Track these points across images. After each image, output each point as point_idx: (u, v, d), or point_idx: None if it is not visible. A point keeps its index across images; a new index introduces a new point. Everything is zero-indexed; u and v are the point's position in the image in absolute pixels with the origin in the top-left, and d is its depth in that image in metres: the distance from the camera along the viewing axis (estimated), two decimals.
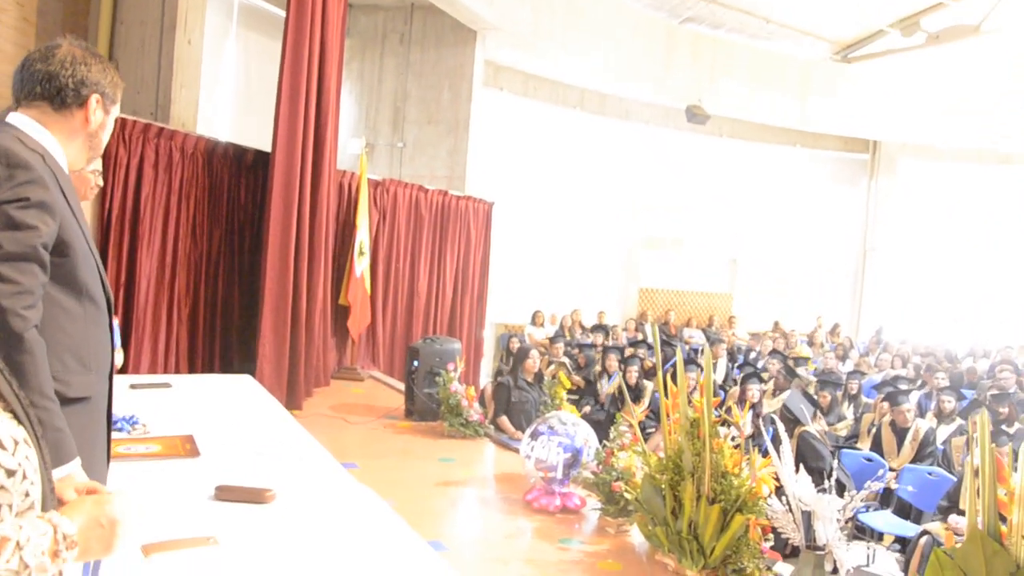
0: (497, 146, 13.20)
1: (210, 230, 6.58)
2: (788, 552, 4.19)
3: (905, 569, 5.26)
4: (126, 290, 5.78)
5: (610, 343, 11.30)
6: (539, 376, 6.69)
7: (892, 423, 7.01)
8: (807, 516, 3.40)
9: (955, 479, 5.85)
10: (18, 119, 1.89)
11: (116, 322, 2.56)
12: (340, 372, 8.18)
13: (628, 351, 9.83)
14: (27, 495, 1.10)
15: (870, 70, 15.61)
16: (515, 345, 10.26)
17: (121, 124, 5.69)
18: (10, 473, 1.07)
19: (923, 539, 5.18)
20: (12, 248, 1.71)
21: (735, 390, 8.33)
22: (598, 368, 9.36)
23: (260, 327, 6.39)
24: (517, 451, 5.17)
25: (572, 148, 14.89)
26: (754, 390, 7.42)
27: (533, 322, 13.46)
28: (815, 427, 6.34)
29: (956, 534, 4.37)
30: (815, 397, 7.78)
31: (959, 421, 7.35)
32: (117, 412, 2.25)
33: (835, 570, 3.38)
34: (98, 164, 3.70)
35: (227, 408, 3.84)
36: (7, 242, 1.70)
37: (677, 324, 15.60)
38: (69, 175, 1.97)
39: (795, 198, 16.83)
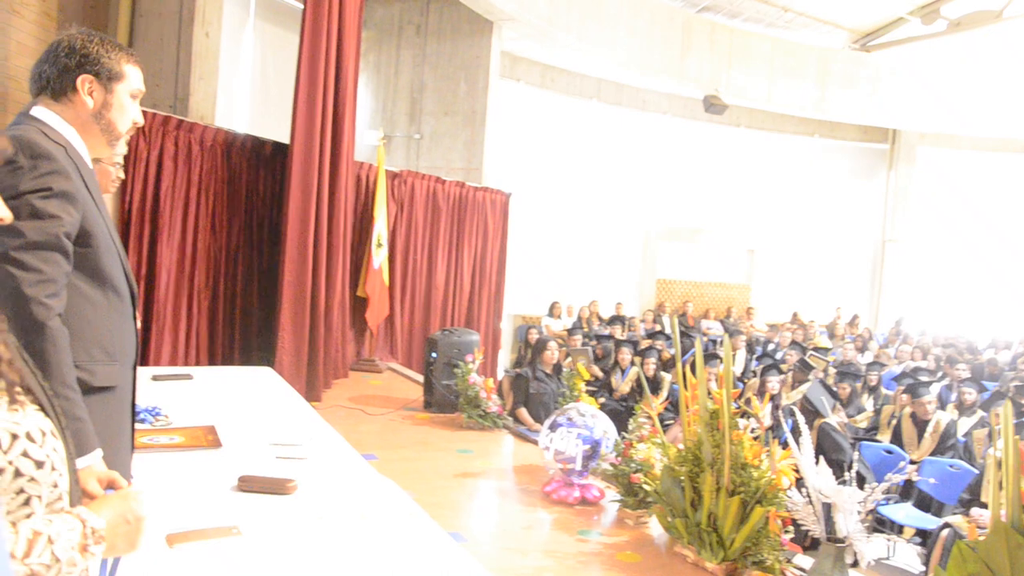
0: (514, 137, 13.18)
1: (229, 222, 6.61)
2: (808, 544, 4.17)
3: (926, 562, 5.22)
4: (147, 282, 5.82)
5: (625, 336, 11.26)
6: (558, 368, 6.69)
7: (912, 415, 6.95)
8: (827, 508, 3.39)
9: (977, 471, 5.80)
10: (41, 112, 1.91)
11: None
12: (359, 364, 8.21)
13: (646, 342, 9.80)
14: (55, 486, 1.12)
15: (890, 58, 15.45)
16: (533, 336, 10.25)
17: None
18: (39, 465, 1.08)
19: (945, 532, 5.14)
20: (35, 237, 1.72)
21: (754, 382, 8.30)
22: (611, 361, 9.32)
23: (279, 319, 6.42)
24: (536, 443, 5.18)
25: (589, 139, 14.84)
26: (773, 382, 7.39)
27: (551, 313, 13.45)
28: (835, 419, 6.30)
29: (979, 527, 4.34)
30: (835, 389, 7.74)
31: (981, 413, 7.28)
32: (140, 404, 2.26)
33: (855, 563, 3.36)
34: (119, 157, 3.73)
35: (248, 399, 3.87)
36: (30, 231, 1.71)
37: (695, 315, 15.54)
38: (92, 167, 1.99)
39: (814, 188, 16.71)
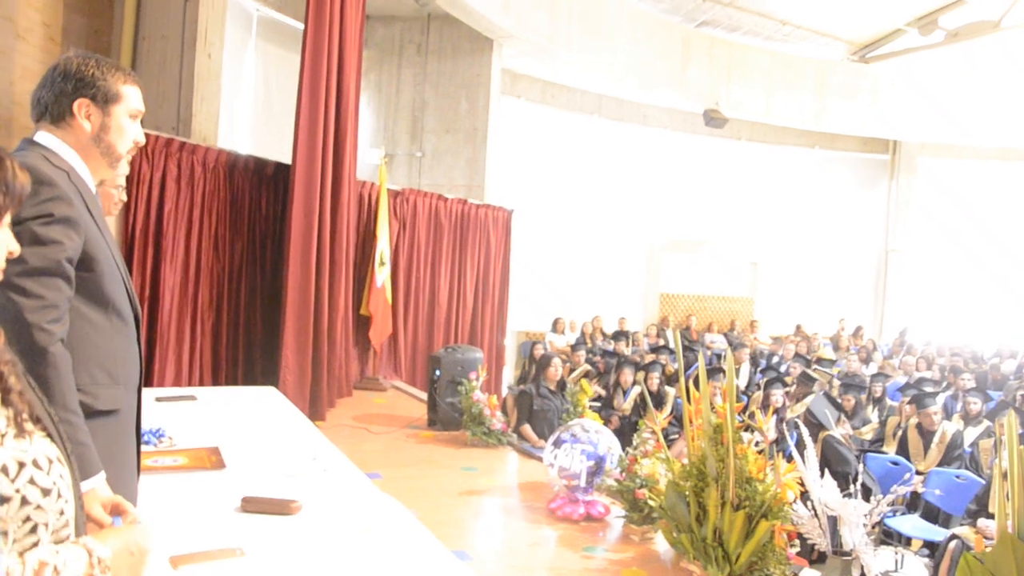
0: (516, 154, 13.23)
1: (232, 243, 6.64)
2: (814, 558, 4.16)
3: (934, 574, 5.20)
4: (150, 303, 5.84)
5: (629, 350, 11.25)
6: (561, 384, 6.69)
7: (918, 426, 6.94)
8: (833, 521, 3.37)
9: (984, 482, 5.78)
10: (43, 137, 1.92)
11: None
12: (362, 382, 8.21)
13: (649, 357, 9.79)
14: (62, 513, 1.12)
15: (888, 70, 15.51)
16: (539, 352, 10.25)
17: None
18: (45, 492, 1.09)
19: (952, 544, 5.12)
20: (37, 263, 1.73)
21: (758, 395, 8.28)
22: (613, 379, 9.25)
23: (283, 338, 6.43)
24: (540, 459, 5.16)
25: (591, 154, 14.90)
26: (777, 395, 7.38)
27: (554, 329, 13.45)
28: (840, 431, 6.29)
29: (986, 538, 4.32)
30: (839, 401, 7.72)
31: (987, 423, 7.26)
32: (144, 425, 2.26)
33: (863, 575, 3.35)
34: (122, 179, 3.76)
35: (252, 420, 3.87)
36: (32, 257, 1.72)
37: (699, 329, 15.53)
38: (95, 191, 2.00)
39: (815, 200, 16.73)
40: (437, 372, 6.56)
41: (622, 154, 15.28)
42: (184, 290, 6.12)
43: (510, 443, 6.17)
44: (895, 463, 6.51)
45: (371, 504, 2.70)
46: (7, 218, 1.20)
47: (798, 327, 15.48)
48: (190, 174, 6.15)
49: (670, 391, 8.21)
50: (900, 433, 7.17)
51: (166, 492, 2.56)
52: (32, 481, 1.08)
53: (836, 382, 9.26)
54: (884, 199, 17.12)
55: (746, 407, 7.75)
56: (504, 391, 9.33)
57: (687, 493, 3.76)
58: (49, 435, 1.16)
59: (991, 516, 5.13)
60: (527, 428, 6.38)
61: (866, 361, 12.17)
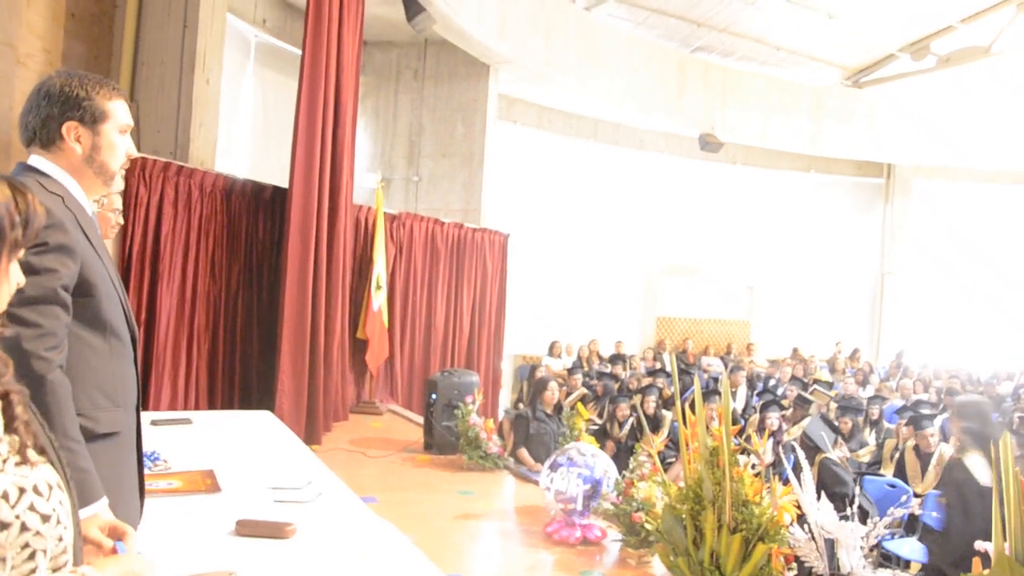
0: (512, 178, 13.29)
1: (229, 266, 6.65)
2: None
3: None
4: (147, 326, 5.83)
5: (626, 374, 11.23)
6: (558, 407, 6.68)
7: (915, 448, 6.92)
8: (830, 544, 3.37)
9: None
10: (37, 161, 1.91)
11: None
12: (359, 406, 8.19)
13: (646, 381, 9.78)
14: (60, 540, 1.12)
15: (882, 94, 15.64)
16: (540, 375, 10.23)
17: (141, 163, 5.79)
18: (45, 519, 1.09)
19: None
20: (33, 292, 1.73)
21: (755, 418, 8.27)
22: (608, 411, 9.15)
23: (279, 362, 6.42)
24: (536, 483, 5.15)
25: (587, 178, 14.96)
26: (773, 418, 7.37)
27: (551, 353, 13.44)
28: (836, 454, 6.27)
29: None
30: (836, 423, 7.71)
31: None
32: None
33: None
34: (118, 203, 3.77)
35: (247, 443, 3.86)
36: (28, 286, 1.72)
37: (695, 352, 15.53)
38: (91, 212, 2.00)
39: (811, 224, 16.79)
40: (433, 396, 6.55)
41: (618, 178, 15.35)
42: (181, 313, 6.12)
43: (506, 467, 6.16)
44: (892, 485, 6.49)
45: (366, 528, 2.69)
46: (21, 252, 1.21)
47: (795, 350, 15.48)
48: (187, 198, 6.17)
49: (667, 414, 8.20)
50: (897, 455, 7.15)
51: (161, 515, 2.55)
52: (32, 507, 1.08)
53: (833, 405, 9.25)
54: (879, 222, 17.19)
55: (742, 430, 7.73)
56: (501, 415, 9.30)
57: (684, 516, 3.75)
58: (51, 461, 1.16)
59: (989, 539, 5.11)
60: (523, 452, 6.36)
61: (863, 384, 12.16)
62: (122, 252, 5.72)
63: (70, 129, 1.90)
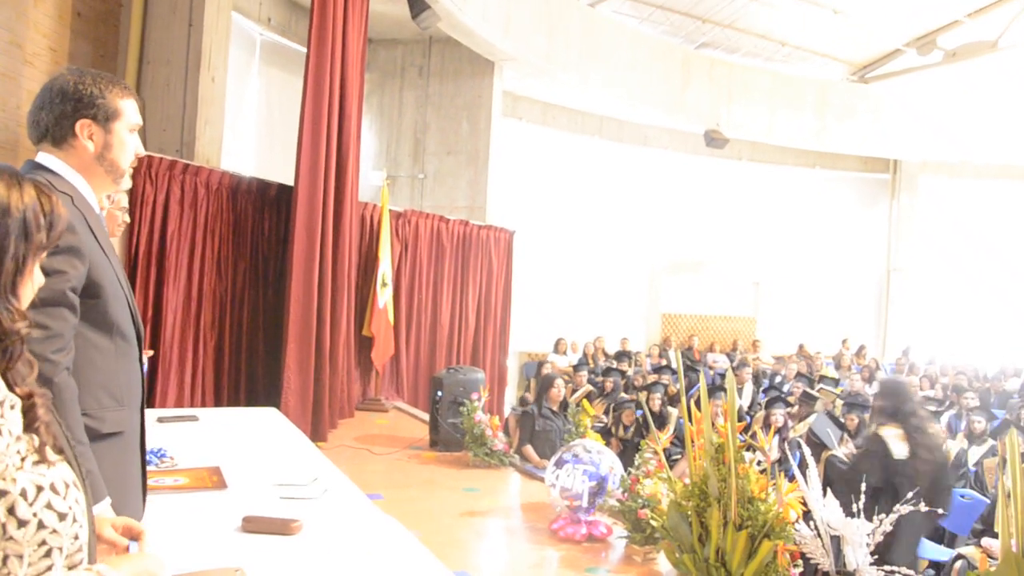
0: (517, 175, 13.28)
1: (235, 264, 6.67)
2: None
3: None
4: (153, 324, 5.86)
5: (631, 370, 11.22)
6: (564, 404, 6.68)
7: None
8: (836, 541, 3.37)
9: (989, 501, 5.74)
10: (46, 159, 1.91)
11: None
12: (364, 403, 8.21)
13: (652, 377, 9.76)
14: (76, 538, 1.13)
15: (888, 89, 15.59)
16: (545, 372, 10.22)
17: (147, 161, 5.81)
18: (62, 517, 1.10)
19: (958, 564, 5.09)
20: (41, 294, 1.72)
21: (761, 414, 8.26)
22: (613, 416, 9.10)
23: (284, 359, 6.44)
24: (542, 480, 5.16)
25: (592, 175, 14.94)
26: (778, 414, 7.35)
27: (556, 350, 13.43)
28: (842, 450, 6.26)
29: (990, 557, 4.30)
30: (842, 420, 7.69)
31: (991, 442, 7.23)
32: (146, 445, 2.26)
33: None
34: (125, 201, 3.79)
35: (253, 440, 3.87)
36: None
37: (701, 349, 15.51)
38: (99, 212, 2.00)
39: (817, 220, 16.74)
40: (439, 393, 6.56)
41: (623, 175, 15.32)
42: (187, 311, 6.14)
43: (512, 464, 6.17)
44: None
45: (372, 525, 2.69)
46: (44, 255, 1.22)
47: (800, 346, 15.45)
48: (193, 196, 6.19)
49: (672, 411, 8.19)
50: None
51: (167, 512, 2.56)
52: (49, 505, 1.09)
53: (839, 402, 9.23)
54: (885, 218, 17.14)
55: (748, 427, 7.72)
56: (506, 412, 9.31)
57: (689, 513, 3.75)
58: (67, 461, 1.17)
59: (996, 535, 5.10)
60: (529, 449, 6.37)
61: (869, 380, 12.13)
62: (128, 250, 5.74)
63: (83, 127, 1.90)
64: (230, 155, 7.77)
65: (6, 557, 1.04)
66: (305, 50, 6.76)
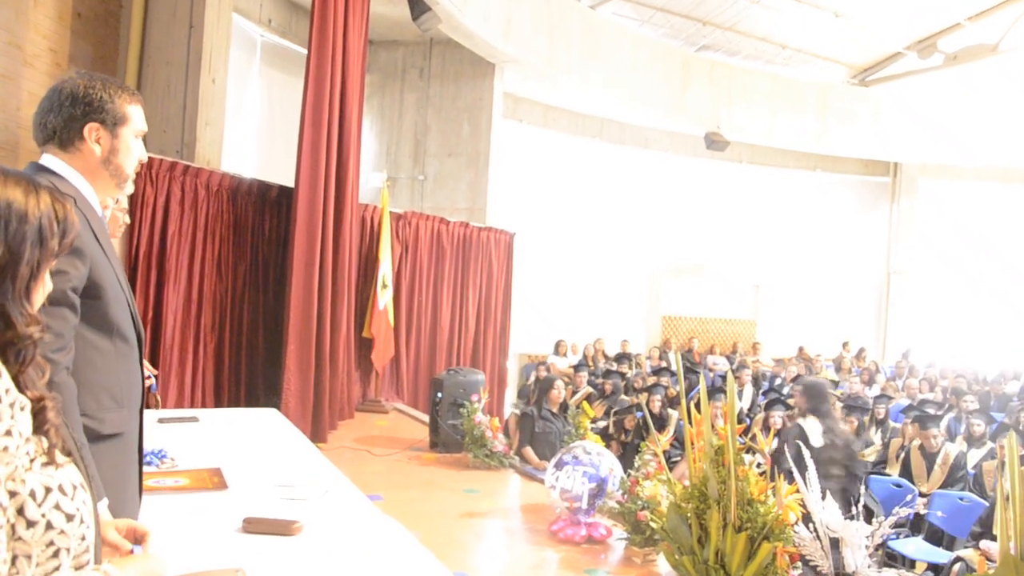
0: (517, 177, 13.29)
1: (235, 265, 6.67)
2: None
3: None
4: (153, 325, 5.86)
5: (632, 372, 11.22)
6: (564, 406, 6.68)
7: (921, 447, 6.92)
8: (835, 543, 3.37)
9: (988, 504, 5.75)
10: (51, 162, 1.91)
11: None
12: (364, 404, 8.21)
13: (652, 379, 9.76)
14: (83, 539, 1.14)
15: (888, 92, 15.60)
16: (542, 373, 10.22)
17: (148, 163, 5.81)
18: (69, 518, 1.11)
19: (956, 566, 5.10)
20: None
21: (760, 416, 8.26)
22: (615, 420, 9.08)
23: (285, 360, 6.44)
24: (542, 481, 5.16)
25: (592, 177, 14.95)
26: (776, 416, 7.35)
27: (556, 352, 13.44)
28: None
29: (988, 560, 4.30)
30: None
31: (990, 444, 7.23)
32: (146, 446, 2.27)
33: None
34: (125, 202, 3.79)
35: (253, 441, 3.88)
36: None
37: (701, 351, 15.52)
38: (101, 214, 2.01)
39: (817, 222, 16.75)
40: (439, 394, 6.57)
41: (624, 177, 15.33)
42: (187, 312, 6.15)
43: (512, 465, 6.17)
44: (898, 485, 6.49)
45: (373, 526, 2.70)
46: (55, 262, 1.23)
47: (800, 349, 15.46)
48: (194, 197, 6.20)
49: (672, 413, 8.19)
50: (903, 455, 7.14)
51: (168, 512, 2.57)
52: (57, 506, 1.11)
53: (839, 404, 9.23)
54: (885, 221, 17.14)
55: (748, 429, 7.73)
56: (507, 413, 9.31)
57: (689, 515, 3.76)
58: (75, 463, 1.19)
59: (995, 538, 5.10)
60: (529, 450, 6.37)
61: (869, 383, 12.14)
62: (129, 251, 5.75)
63: (91, 131, 1.92)
64: (231, 156, 7.78)
65: (15, 557, 1.06)
66: (306, 52, 6.77)
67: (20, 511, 1.06)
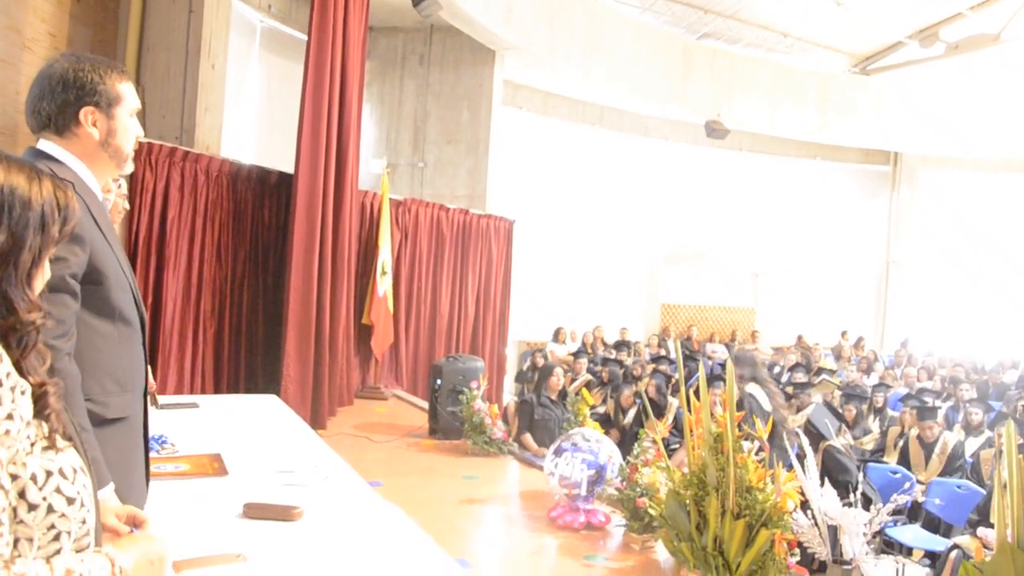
0: (517, 164, 13.26)
1: (235, 251, 6.67)
2: (815, 567, 4.15)
3: None
4: (153, 311, 5.86)
5: (631, 360, 11.24)
6: (563, 393, 6.69)
7: (919, 436, 6.94)
8: (833, 530, 3.38)
9: (985, 492, 5.77)
10: (48, 147, 1.90)
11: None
12: (364, 391, 8.22)
13: (651, 367, 9.77)
14: (84, 522, 1.15)
15: (889, 82, 15.56)
16: (540, 360, 10.23)
17: (147, 148, 5.80)
18: (70, 501, 1.12)
19: (953, 553, 5.12)
20: None
21: None
22: (613, 400, 9.12)
23: (284, 347, 6.45)
24: (541, 468, 5.17)
25: (592, 165, 14.93)
26: None
27: (555, 339, 13.45)
28: (839, 441, 6.29)
29: (986, 547, 4.31)
30: (840, 411, 7.72)
31: (988, 433, 7.26)
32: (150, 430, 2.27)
33: None
34: (125, 188, 3.78)
35: (253, 427, 3.88)
36: None
37: (700, 339, 15.53)
38: (102, 198, 2.00)
39: (817, 211, 16.74)
40: (438, 381, 6.57)
41: (623, 165, 15.31)
42: (187, 298, 6.15)
43: (511, 452, 6.18)
44: (895, 473, 6.51)
45: (373, 511, 2.71)
46: (55, 248, 1.23)
47: (799, 338, 15.48)
48: (193, 183, 6.19)
49: (672, 401, 8.21)
50: (901, 443, 7.17)
51: (169, 498, 2.58)
52: (58, 490, 1.11)
53: (837, 392, 9.26)
54: (885, 210, 17.13)
55: (746, 417, 7.72)
56: (506, 400, 9.33)
57: (687, 502, 3.77)
58: (75, 447, 1.19)
59: (992, 526, 5.12)
60: (528, 437, 6.39)
61: (867, 371, 12.16)
62: (128, 237, 5.74)
63: (87, 115, 1.90)
64: (230, 142, 7.76)
65: (17, 540, 1.06)
66: (305, 38, 6.74)
67: (21, 494, 1.07)
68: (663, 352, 12.99)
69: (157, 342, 5.86)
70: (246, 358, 6.83)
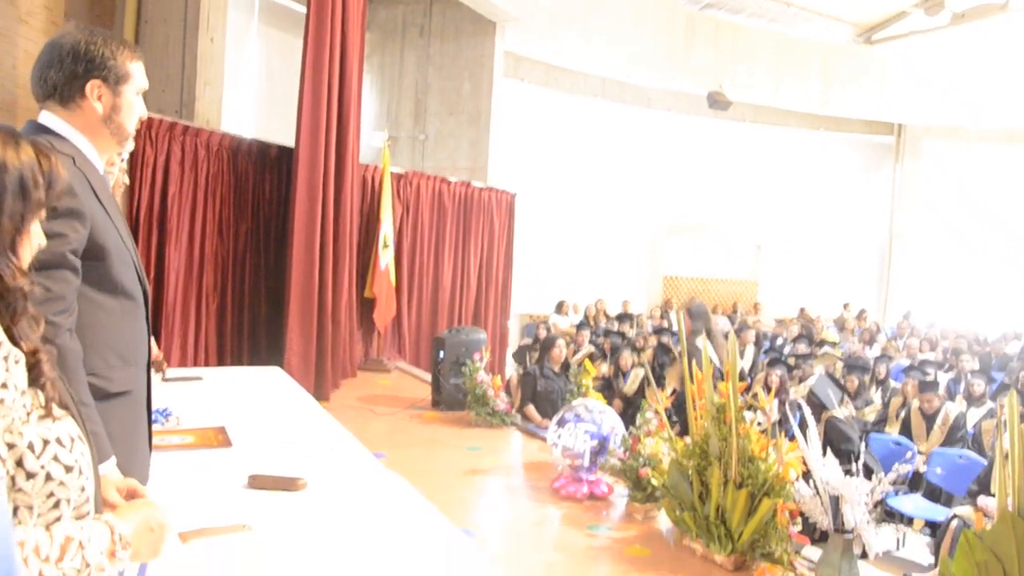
0: (519, 136, 13.20)
1: (236, 225, 6.66)
2: (817, 536, 4.19)
3: (936, 553, 5.23)
4: (155, 286, 5.86)
5: (633, 332, 11.25)
6: (565, 365, 6.71)
7: (921, 407, 6.95)
8: (835, 500, 3.40)
9: (986, 463, 5.79)
10: (49, 119, 1.88)
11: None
12: (367, 364, 8.25)
13: (653, 339, 9.78)
14: (83, 490, 1.16)
15: (893, 52, 15.42)
16: (542, 333, 10.25)
17: (147, 123, 5.76)
18: (68, 469, 1.13)
19: (954, 523, 5.15)
20: (42, 256, 1.72)
21: (761, 376, 8.29)
22: (612, 363, 9.18)
23: (287, 321, 6.46)
24: (544, 439, 5.20)
25: (594, 137, 14.86)
26: (774, 375, 7.37)
27: (558, 311, 13.46)
28: (842, 412, 6.31)
29: (986, 516, 4.34)
30: (842, 382, 7.73)
31: (989, 404, 7.27)
32: (153, 404, 2.28)
33: (864, 554, 3.37)
34: (125, 163, 3.77)
35: (257, 399, 3.90)
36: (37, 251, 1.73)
37: None
38: (103, 173, 1.99)
39: (820, 183, 16.68)
40: (441, 353, 6.59)
41: (625, 136, 15.23)
42: (189, 272, 6.15)
43: (514, 423, 6.21)
44: (897, 443, 6.53)
45: (376, 482, 2.72)
46: (43, 213, 1.22)
47: (802, 310, 15.48)
48: (194, 157, 6.16)
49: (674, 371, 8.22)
50: (903, 414, 7.19)
51: (174, 470, 2.59)
52: (56, 458, 1.12)
53: (839, 364, 9.27)
54: (888, 182, 17.06)
55: (749, 388, 7.75)
56: (508, 372, 9.35)
57: (690, 472, 3.79)
58: (72, 416, 1.20)
59: (993, 495, 5.15)
60: (531, 408, 6.41)
61: (869, 343, 12.17)
62: (129, 212, 5.73)
63: (94, 88, 1.88)
64: (230, 116, 7.72)
65: (16, 508, 1.07)
66: (304, 10, 6.68)
67: (19, 463, 1.08)
68: (665, 324, 13.00)
69: (160, 317, 5.87)
70: (249, 332, 6.85)
